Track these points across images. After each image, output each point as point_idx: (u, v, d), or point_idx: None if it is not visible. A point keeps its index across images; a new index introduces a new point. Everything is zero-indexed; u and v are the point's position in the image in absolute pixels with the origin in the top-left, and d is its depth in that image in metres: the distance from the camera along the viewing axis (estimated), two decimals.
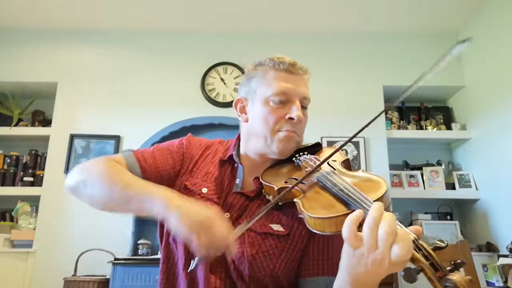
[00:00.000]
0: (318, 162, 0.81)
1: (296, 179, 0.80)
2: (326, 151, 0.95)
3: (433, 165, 3.18)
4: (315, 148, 0.95)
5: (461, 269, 0.55)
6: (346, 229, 0.59)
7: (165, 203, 0.72)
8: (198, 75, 3.18)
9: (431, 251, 0.56)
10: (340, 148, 0.83)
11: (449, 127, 3.19)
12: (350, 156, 3.00)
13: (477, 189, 2.96)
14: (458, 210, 3.17)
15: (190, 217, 0.69)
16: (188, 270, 0.70)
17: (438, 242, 0.57)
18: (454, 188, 3.01)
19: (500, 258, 2.39)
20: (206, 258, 0.71)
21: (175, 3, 2.97)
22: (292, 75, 0.90)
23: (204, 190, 0.92)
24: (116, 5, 3.00)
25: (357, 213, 0.60)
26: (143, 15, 3.12)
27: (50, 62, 3.22)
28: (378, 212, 0.58)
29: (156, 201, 0.74)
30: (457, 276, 0.53)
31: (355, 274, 0.61)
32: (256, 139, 0.92)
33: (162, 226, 0.96)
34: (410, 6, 2.97)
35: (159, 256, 2.67)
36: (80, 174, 0.86)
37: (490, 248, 2.69)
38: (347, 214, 0.62)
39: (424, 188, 3.04)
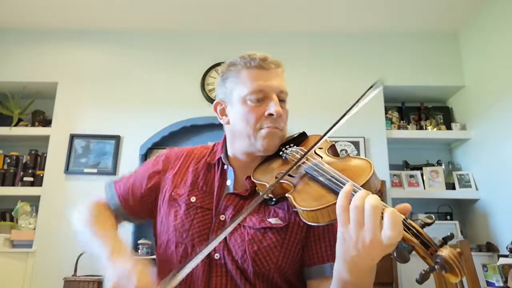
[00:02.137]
0: (302, 154, 0.81)
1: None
2: (311, 140, 0.95)
3: (433, 165, 3.18)
4: (301, 138, 0.95)
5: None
6: (338, 214, 0.61)
7: (107, 255, 0.81)
8: (198, 75, 3.18)
9: (420, 229, 0.57)
10: (324, 136, 0.84)
11: (449, 127, 3.19)
12: None
13: (477, 189, 2.96)
14: (458, 210, 3.17)
15: (116, 268, 0.76)
16: None
17: (425, 219, 0.58)
18: (454, 188, 3.01)
19: (500, 258, 2.39)
20: None
21: (175, 3, 2.97)
22: (264, 70, 0.90)
23: (193, 199, 0.92)
24: (116, 5, 3.00)
25: (348, 187, 0.62)
26: (143, 15, 3.12)
27: (50, 62, 3.22)
28: (363, 194, 0.60)
29: (104, 250, 0.83)
30: (446, 250, 0.54)
31: (350, 259, 0.62)
32: (240, 139, 0.93)
33: (155, 227, 0.98)
34: (410, 6, 2.97)
35: None
36: (77, 215, 0.99)
37: (490, 248, 2.70)
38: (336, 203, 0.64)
39: (424, 188, 3.04)
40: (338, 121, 0.82)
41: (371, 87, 0.80)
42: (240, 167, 0.95)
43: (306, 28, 3.27)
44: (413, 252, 0.57)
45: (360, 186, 0.65)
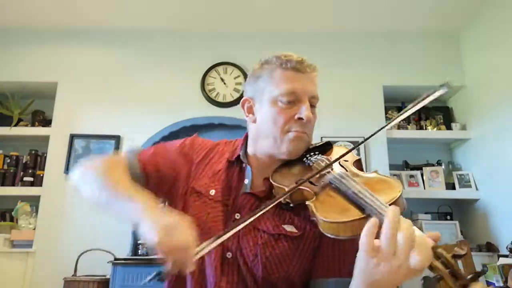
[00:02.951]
0: (328, 162, 0.79)
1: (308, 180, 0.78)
2: (336, 151, 0.93)
3: (433, 165, 3.18)
4: (326, 147, 0.93)
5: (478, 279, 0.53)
6: (365, 239, 0.58)
7: (140, 209, 0.72)
8: (198, 75, 3.18)
9: (450, 259, 0.54)
10: (354, 148, 0.83)
11: (449, 127, 3.19)
12: None
13: (477, 189, 2.96)
14: (458, 210, 3.17)
15: (157, 221, 0.68)
16: (147, 281, 0.66)
17: (457, 250, 0.55)
18: (454, 188, 3.01)
19: (500, 258, 2.38)
20: (168, 270, 0.65)
21: (175, 3, 2.97)
22: (299, 73, 0.89)
23: (212, 192, 0.90)
24: (116, 5, 3.00)
25: (372, 223, 0.59)
26: (143, 15, 3.12)
27: (50, 62, 3.22)
28: (395, 219, 0.56)
29: (133, 205, 0.74)
30: (479, 286, 0.51)
31: (371, 282, 0.59)
32: (265, 139, 0.90)
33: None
34: (410, 6, 2.97)
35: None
36: (81, 170, 0.89)
37: (490, 248, 2.69)
38: (362, 219, 0.62)
39: (424, 188, 3.04)
40: (389, 121, 0.82)
41: (441, 86, 0.78)
42: (258, 167, 0.93)
43: (306, 28, 3.26)
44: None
45: (388, 204, 0.63)
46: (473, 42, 3.09)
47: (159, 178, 0.93)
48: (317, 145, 0.93)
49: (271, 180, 0.86)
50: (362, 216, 0.63)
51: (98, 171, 0.85)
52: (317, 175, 0.77)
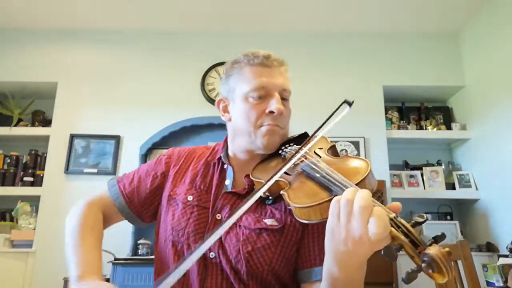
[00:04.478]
0: (300, 152, 0.81)
1: (285, 172, 0.79)
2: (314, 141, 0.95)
3: (433, 165, 3.18)
4: (302, 139, 0.94)
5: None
6: (330, 213, 0.61)
7: (75, 274, 0.84)
8: (198, 75, 3.18)
9: (410, 227, 0.56)
10: (313, 135, 0.85)
11: (449, 127, 3.19)
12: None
13: (477, 189, 2.96)
14: (458, 210, 3.17)
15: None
16: None
17: (417, 218, 0.56)
18: (454, 188, 3.01)
19: (500, 258, 2.39)
20: None
21: (175, 3, 2.97)
22: (267, 68, 0.90)
23: (190, 198, 0.92)
24: (116, 5, 3.00)
25: (336, 198, 0.61)
26: (143, 15, 3.12)
27: (50, 62, 3.22)
28: (353, 190, 0.59)
29: (73, 267, 0.87)
30: (434, 249, 0.52)
31: (339, 255, 0.62)
32: (241, 136, 0.93)
33: (157, 226, 0.98)
34: (410, 6, 2.97)
35: None
36: (72, 211, 1.04)
37: (490, 248, 2.70)
38: (329, 200, 0.63)
39: (424, 188, 3.04)
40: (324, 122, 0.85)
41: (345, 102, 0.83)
42: (239, 166, 0.95)
43: (306, 28, 3.27)
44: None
45: (355, 184, 0.64)
46: (473, 42, 3.09)
47: (145, 205, 0.99)
48: (293, 137, 0.96)
49: (251, 177, 0.88)
50: (330, 197, 0.65)
51: (77, 222, 1.00)
52: (291, 165, 0.79)
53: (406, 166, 3.22)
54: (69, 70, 3.20)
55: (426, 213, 3.02)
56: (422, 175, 3.10)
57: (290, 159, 0.79)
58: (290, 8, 3.03)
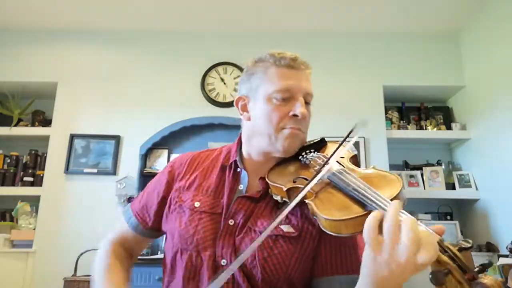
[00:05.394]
0: (325, 160, 0.79)
1: (306, 179, 0.77)
2: (330, 147, 0.92)
3: (433, 165, 3.18)
4: (320, 144, 0.93)
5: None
6: (367, 236, 0.57)
7: None
8: (198, 75, 3.18)
9: (457, 253, 0.54)
10: (343, 141, 0.82)
11: (449, 127, 3.19)
12: None
13: (477, 189, 2.96)
14: (458, 210, 3.17)
15: None
16: None
17: (463, 243, 0.55)
18: (454, 188, 3.01)
19: (500, 258, 2.39)
20: None
21: (175, 4, 2.97)
22: (294, 70, 0.88)
23: (197, 204, 0.89)
24: (116, 5, 3.00)
25: (375, 215, 0.58)
26: (143, 15, 3.12)
27: (50, 62, 3.22)
28: (396, 212, 0.56)
29: None
30: (489, 279, 0.50)
31: (380, 279, 0.59)
32: (259, 137, 0.90)
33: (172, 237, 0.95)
34: (410, 6, 2.97)
35: (159, 256, 2.67)
36: (101, 251, 1.01)
37: (490, 248, 2.69)
38: (364, 215, 0.61)
39: (424, 188, 3.04)
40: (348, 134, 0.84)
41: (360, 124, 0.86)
42: (253, 169, 0.93)
43: (306, 28, 3.27)
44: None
45: (390, 199, 0.62)
46: (473, 42, 3.09)
47: (157, 219, 0.99)
48: (312, 142, 0.93)
49: (267, 180, 0.85)
50: (364, 212, 0.63)
51: (105, 261, 0.96)
52: (317, 173, 0.76)
53: (406, 166, 3.22)
54: (69, 70, 3.20)
55: (426, 213, 3.03)
56: (422, 175, 3.09)
57: (320, 169, 0.76)
58: (290, 8, 3.03)
